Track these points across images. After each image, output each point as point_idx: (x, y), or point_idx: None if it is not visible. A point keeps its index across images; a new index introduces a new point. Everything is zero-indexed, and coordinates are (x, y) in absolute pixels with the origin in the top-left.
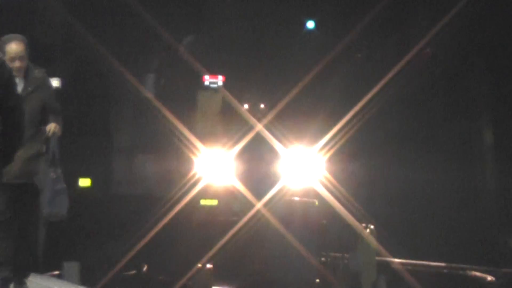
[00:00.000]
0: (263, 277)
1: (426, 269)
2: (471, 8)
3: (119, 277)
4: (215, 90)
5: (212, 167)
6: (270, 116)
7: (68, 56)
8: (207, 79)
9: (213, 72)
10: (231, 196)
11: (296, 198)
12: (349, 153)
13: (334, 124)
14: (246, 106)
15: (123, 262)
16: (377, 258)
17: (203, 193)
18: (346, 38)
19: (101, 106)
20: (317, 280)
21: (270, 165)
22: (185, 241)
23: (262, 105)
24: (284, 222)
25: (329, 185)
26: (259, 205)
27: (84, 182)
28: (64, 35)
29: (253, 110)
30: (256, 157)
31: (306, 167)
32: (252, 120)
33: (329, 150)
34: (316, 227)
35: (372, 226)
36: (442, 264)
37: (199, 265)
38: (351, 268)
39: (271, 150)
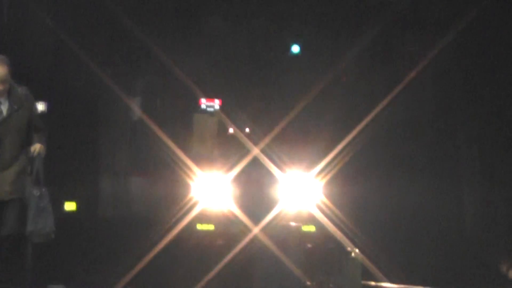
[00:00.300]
0: None
1: None
2: (460, 34)
3: None
4: (212, 113)
5: (209, 191)
6: (267, 140)
7: (54, 78)
8: (204, 103)
9: (210, 96)
10: (228, 221)
11: (292, 223)
12: (346, 176)
13: (331, 149)
14: (247, 130)
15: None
16: (364, 282)
17: (200, 218)
18: (335, 62)
19: (88, 129)
20: None
21: (267, 190)
22: (180, 266)
23: (247, 129)
24: (280, 246)
25: (326, 209)
26: (256, 229)
27: (70, 206)
28: (51, 57)
29: (251, 134)
30: (253, 181)
31: (303, 192)
32: (249, 144)
33: (326, 174)
34: (301, 250)
35: (357, 250)
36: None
37: None
38: None
39: (268, 174)
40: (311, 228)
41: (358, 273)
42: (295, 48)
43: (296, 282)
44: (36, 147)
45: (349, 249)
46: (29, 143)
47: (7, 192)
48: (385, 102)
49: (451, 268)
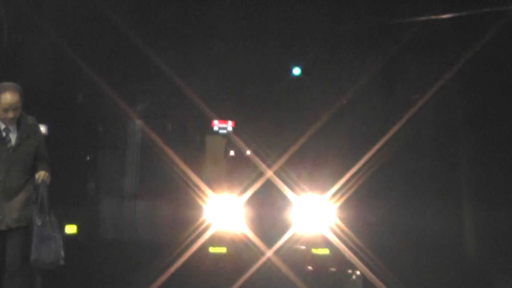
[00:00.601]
0: None
1: None
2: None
3: None
4: (224, 135)
5: (221, 214)
6: (280, 163)
7: (54, 101)
8: (216, 124)
9: (222, 117)
10: (241, 243)
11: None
12: (360, 199)
13: (345, 171)
14: (248, 152)
15: None
16: None
17: (212, 240)
18: (342, 84)
19: (88, 151)
20: None
21: (281, 212)
22: None
23: (248, 152)
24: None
25: (340, 232)
26: (269, 253)
27: (70, 228)
28: (51, 79)
29: (264, 156)
30: (266, 203)
31: (317, 214)
32: (262, 166)
33: (340, 197)
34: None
35: (358, 272)
36: None
37: None
38: None
39: (282, 196)
40: (325, 251)
41: None
42: (296, 71)
43: None
44: (41, 175)
45: (350, 271)
46: (34, 171)
47: (14, 220)
48: (397, 123)
49: None
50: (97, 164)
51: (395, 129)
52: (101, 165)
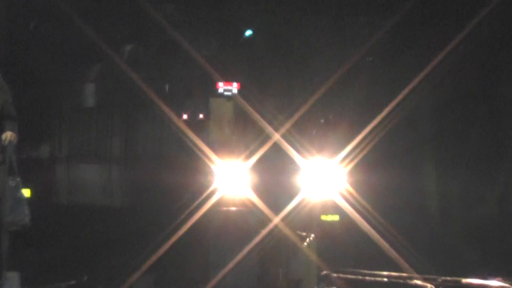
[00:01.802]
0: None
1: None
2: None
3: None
4: (229, 97)
5: (227, 180)
6: (288, 125)
7: (13, 63)
8: (221, 86)
9: (228, 79)
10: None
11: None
12: (371, 164)
13: (355, 134)
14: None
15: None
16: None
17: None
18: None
19: (45, 113)
20: None
21: (289, 177)
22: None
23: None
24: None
25: (350, 198)
26: (276, 219)
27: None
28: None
29: (272, 119)
30: (273, 168)
31: (326, 179)
32: (269, 129)
33: (350, 161)
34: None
35: (312, 236)
36: (385, 273)
37: None
38: (291, 278)
39: (289, 161)
40: (334, 218)
41: (312, 260)
42: (248, 33)
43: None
44: (8, 135)
45: (304, 234)
46: (1, 130)
47: None
48: (410, 87)
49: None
50: (61, 127)
51: (405, 92)
52: (68, 128)
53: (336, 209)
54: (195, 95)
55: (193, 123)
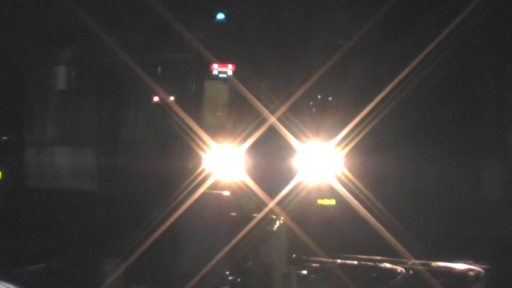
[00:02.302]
0: (173, 270)
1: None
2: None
3: (29, 270)
4: (224, 80)
5: (221, 163)
6: (284, 109)
7: None
8: (216, 68)
9: (223, 61)
10: (242, 194)
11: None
12: (367, 148)
13: (352, 117)
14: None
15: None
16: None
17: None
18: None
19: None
20: (227, 272)
21: (284, 161)
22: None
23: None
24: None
25: (347, 182)
26: (272, 203)
27: None
28: None
29: (267, 102)
30: (269, 152)
31: (323, 163)
32: (265, 112)
33: (346, 145)
34: (226, 219)
35: (282, 219)
36: (355, 255)
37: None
38: (262, 260)
39: (285, 144)
40: (331, 202)
41: (283, 244)
42: (220, 16)
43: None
44: None
45: (274, 216)
46: None
47: None
48: (406, 71)
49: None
50: (33, 110)
51: (402, 75)
52: (40, 112)
53: (333, 193)
54: (187, 78)
55: (163, 106)
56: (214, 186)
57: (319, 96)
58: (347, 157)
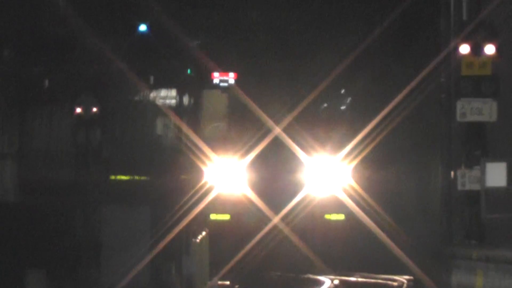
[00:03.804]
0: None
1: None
2: None
3: None
4: (225, 89)
5: (223, 177)
6: (289, 119)
7: None
8: (217, 77)
9: (224, 69)
10: (246, 210)
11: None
12: (376, 160)
13: (360, 129)
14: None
15: None
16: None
17: (214, 206)
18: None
19: None
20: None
21: (290, 174)
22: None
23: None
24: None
25: (355, 195)
26: (276, 219)
27: None
28: None
29: (272, 112)
30: (274, 165)
31: (330, 176)
32: (270, 123)
33: (355, 157)
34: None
35: (204, 232)
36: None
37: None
38: (184, 272)
39: (291, 157)
40: (339, 217)
41: (205, 256)
42: (142, 27)
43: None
44: None
45: (195, 228)
46: None
47: None
48: (414, 82)
49: None
50: None
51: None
52: None
53: (341, 208)
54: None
55: (86, 117)
56: (215, 200)
57: (326, 106)
58: (356, 170)
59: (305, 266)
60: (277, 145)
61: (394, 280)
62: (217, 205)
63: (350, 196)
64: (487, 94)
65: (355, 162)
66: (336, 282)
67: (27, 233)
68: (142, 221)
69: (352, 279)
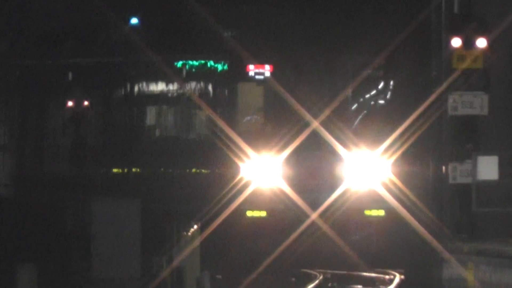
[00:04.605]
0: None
1: None
2: None
3: None
4: (261, 81)
5: (260, 173)
6: (327, 113)
7: None
8: (252, 69)
9: (259, 61)
10: (283, 206)
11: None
12: (417, 154)
13: (402, 121)
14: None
15: None
16: None
17: (250, 203)
18: None
19: None
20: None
21: (328, 169)
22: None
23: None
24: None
25: (396, 190)
26: (314, 215)
27: None
28: None
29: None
30: (312, 159)
31: (370, 171)
32: (307, 116)
33: (395, 151)
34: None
35: (196, 226)
36: None
37: None
38: (175, 265)
39: (329, 151)
40: (379, 213)
41: (196, 249)
42: (134, 20)
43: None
44: None
45: (185, 220)
46: None
47: None
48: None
49: None
50: None
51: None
52: None
53: (381, 203)
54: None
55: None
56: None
57: (367, 98)
58: (396, 165)
59: (343, 264)
60: (314, 139)
61: (386, 274)
62: (253, 202)
63: (390, 191)
64: (478, 88)
65: (395, 157)
66: (328, 275)
67: (17, 227)
68: (133, 214)
69: (343, 272)
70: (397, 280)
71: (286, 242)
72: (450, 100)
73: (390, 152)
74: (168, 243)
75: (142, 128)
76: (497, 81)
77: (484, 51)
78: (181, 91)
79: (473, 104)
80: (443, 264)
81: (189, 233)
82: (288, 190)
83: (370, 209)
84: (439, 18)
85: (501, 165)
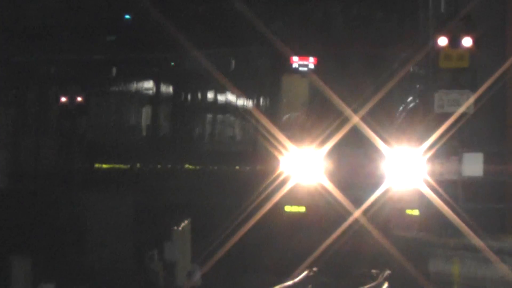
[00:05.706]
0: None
1: None
2: None
3: None
4: (305, 74)
5: (300, 167)
6: (370, 108)
7: None
8: (296, 61)
9: (303, 53)
10: (322, 202)
11: None
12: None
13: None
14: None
15: None
16: None
17: (289, 198)
18: None
19: None
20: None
21: (370, 166)
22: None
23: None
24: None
25: (432, 191)
26: (357, 213)
27: None
28: None
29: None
30: (353, 156)
31: (412, 170)
32: (349, 112)
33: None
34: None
35: (187, 221)
36: None
37: None
38: (166, 258)
39: (371, 148)
40: (414, 212)
41: (187, 239)
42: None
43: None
44: None
45: (179, 215)
46: None
47: None
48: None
49: None
50: None
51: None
52: None
53: (418, 203)
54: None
55: (71, 107)
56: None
57: (410, 95)
58: (436, 163)
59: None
60: (357, 135)
61: (373, 268)
62: (292, 197)
63: (427, 192)
64: (464, 86)
65: (436, 156)
66: (315, 269)
67: (11, 220)
68: (126, 208)
69: (333, 267)
70: (385, 274)
71: (327, 239)
72: (437, 98)
73: (428, 150)
74: (159, 236)
75: (182, 124)
76: (483, 79)
77: (470, 49)
78: (222, 84)
79: (459, 102)
80: (429, 258)
81: (180, 228)
82: (330, 186)
83: (412, 208)
84: (427, 17)
85: (486, 162)
